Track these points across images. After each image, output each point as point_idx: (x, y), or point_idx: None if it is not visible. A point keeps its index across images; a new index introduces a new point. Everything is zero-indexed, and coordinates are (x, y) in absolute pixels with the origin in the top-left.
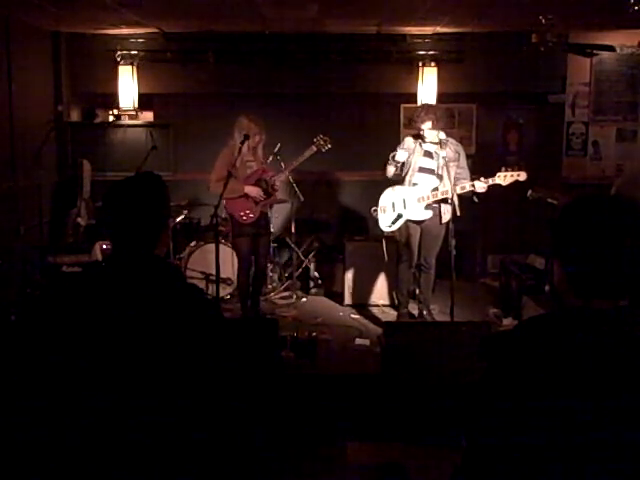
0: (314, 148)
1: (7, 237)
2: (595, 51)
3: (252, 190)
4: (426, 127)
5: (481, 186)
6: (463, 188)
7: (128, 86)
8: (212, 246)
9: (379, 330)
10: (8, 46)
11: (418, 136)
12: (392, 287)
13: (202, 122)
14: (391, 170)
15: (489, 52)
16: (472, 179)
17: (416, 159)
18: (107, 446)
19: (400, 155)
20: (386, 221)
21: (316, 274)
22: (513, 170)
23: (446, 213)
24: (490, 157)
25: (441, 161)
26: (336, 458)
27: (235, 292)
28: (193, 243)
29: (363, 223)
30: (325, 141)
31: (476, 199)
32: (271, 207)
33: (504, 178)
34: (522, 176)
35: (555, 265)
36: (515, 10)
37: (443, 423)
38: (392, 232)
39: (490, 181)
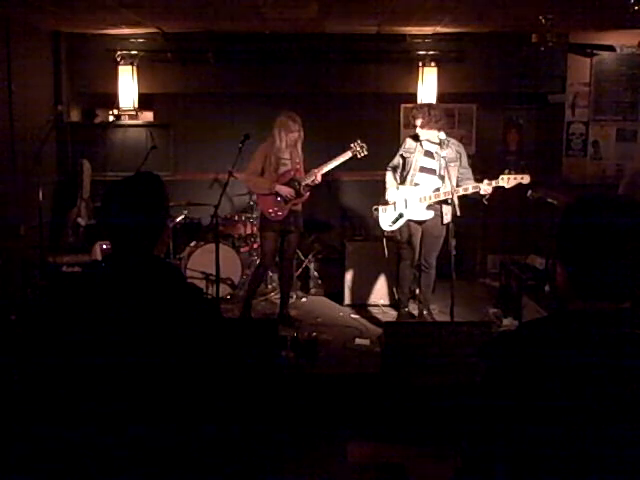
0: (349, 153)
1: (7, 237)
2: (595, 51)
3: (282, 189)
4: (418, 124)
5: (485, 188)
6: (466, 189)
7: (128, 86)
8: (212, 246)
9: (379, 330)
10: (8, 46)
11: (417, 136)
12: (392, 287)
13: (202, 122)
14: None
15: (489, 52)
16: (474, 180)
17: (417, 158)
18: (106, 446)
19: (390, 194)
20: (387, 220)
21: (316, 274)
22: (517, 172)
23: (447, 214)
24: (490, 157)
25: (442, 161)
26: (336, 458)
27: (237, 292)
28: (193, 243)
29: (363, 223)
30: (362, 147)
31: (486, 201)
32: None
33: (507, 180)
34: (526, 179)
35: (558, 266)
36: (515, 10)
37: (443, 423)
38: (392, 232)
39: (494, 183)
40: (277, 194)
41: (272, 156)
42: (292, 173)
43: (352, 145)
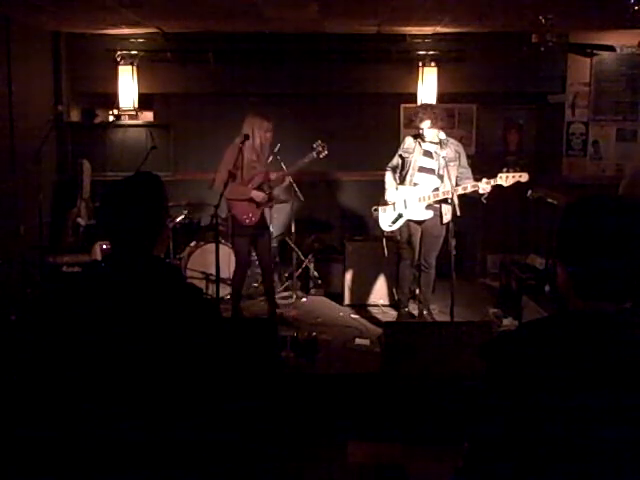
0: (314, 154)
1: (7, 237)
2: (595, 51)
3: (258, 195)
4: (425, 126)
5: (484, 187)
6: (465, 188)
7: (128, 86)
8: (212, 246)
9: (379, 330)
10: (8, 46)
11: (418, 135)
12: (392, 287)
13: (202, 122)
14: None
15: (489, 52)
16: (473, 179)
17: (416, 158)
18: (105, 446)
19: (390, 194)
20: (386, 220)
21: (316, 274)
22: (515, 171)
23: (447, 214)
24: (490, 157)
25: (442, 161)
26: (336, 458)
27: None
28: (193, 243)
29: (363, 223)
30: (323, 147)
31: (485, 200)
32: (271, 207)
33: (506, 179)
34: (524, 177)
35: (558, 266)
36: (515, 10)
37: (443, 423)
38: (392, 232)
39: (492, 182)
40: (251, 199)
41: (244, 157)
42: (262, 176)
43: (314, 146)
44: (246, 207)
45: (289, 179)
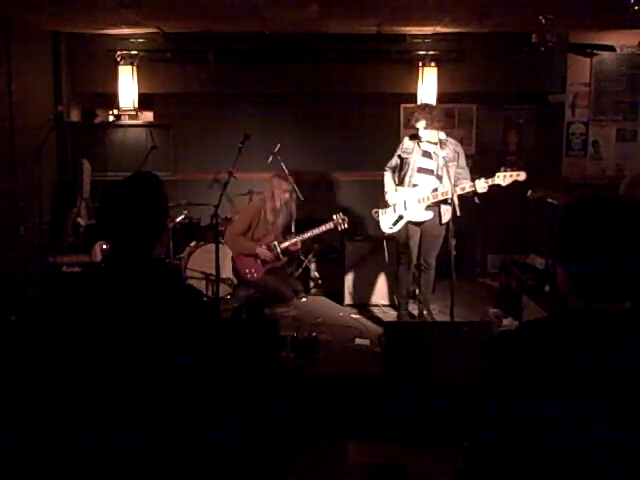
0: (331, 225)
1: (7, 237)
2: (595, 51)
3: (263, 253)
4: (420, 126)
5: (482, 186)
6: (463, 189)
7: (128, 86)
8: (212, 246)
9: (379, 330)
10: (8, 46)
11: (415, 136)
12: (392, 287)
13: (202, 122)
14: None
15: (489, 52)
16: (472, 179)
17: (415, 159)
18: (105, 447)
19: (390, 196)
20: (387, 223)
21: (316, 274)
22: (512, 170)
23: (446, 213)
24: (490, 157)
25: (441, 161)
26: (336, 458)
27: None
28: (193, 243)
29: (363, 223)
30: (343, 220)
31: (477, 200)
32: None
33: (503, 178)
34: (521, 176)
35: (558, 266)
36: (515, 10)
37: (443, 423)
38: (393, 233)
39: (490, 181)
40: (256, 256)
41: (263, 216)
42: (273, 237)
43: (334, 217)
44: (251, 262)
45: (297, 242)
